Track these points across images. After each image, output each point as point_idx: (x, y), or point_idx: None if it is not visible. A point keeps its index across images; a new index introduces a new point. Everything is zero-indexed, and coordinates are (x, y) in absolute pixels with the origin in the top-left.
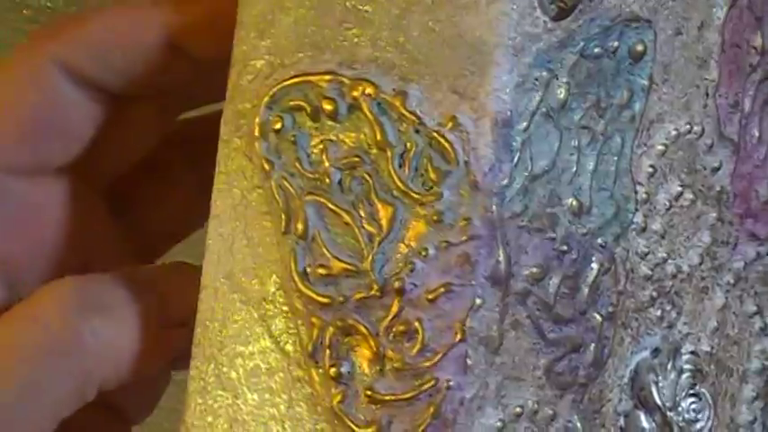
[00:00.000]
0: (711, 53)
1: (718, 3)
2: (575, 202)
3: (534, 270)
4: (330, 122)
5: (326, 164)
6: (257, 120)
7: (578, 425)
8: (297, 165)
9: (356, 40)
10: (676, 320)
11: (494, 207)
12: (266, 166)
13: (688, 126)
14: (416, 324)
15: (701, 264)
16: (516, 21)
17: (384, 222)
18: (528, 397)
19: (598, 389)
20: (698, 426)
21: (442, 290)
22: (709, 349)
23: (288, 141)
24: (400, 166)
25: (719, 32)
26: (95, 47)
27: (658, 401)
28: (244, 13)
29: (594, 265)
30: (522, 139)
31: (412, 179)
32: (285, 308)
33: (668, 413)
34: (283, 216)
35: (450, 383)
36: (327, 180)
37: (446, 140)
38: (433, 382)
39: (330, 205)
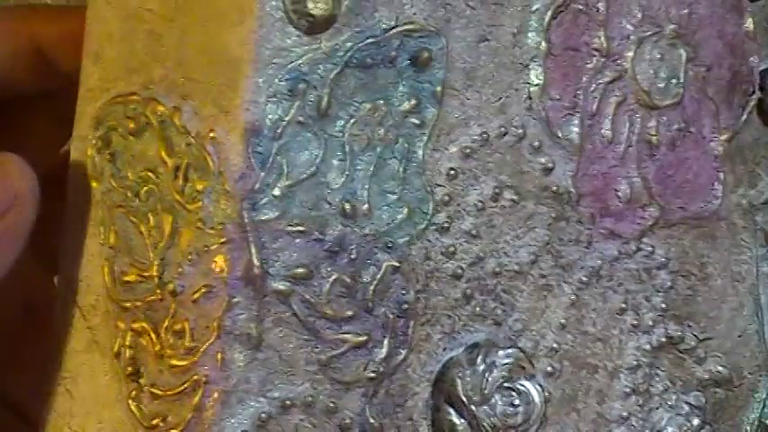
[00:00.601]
0: (534, 57)
1: (537, 8)
2: (348, 206)
3: (299, 270)
4: (133, 139)
5: (131, 178)
6: (87, 140)
7: (371, 419)
8: (111, 180)
9: (153, 62)
10: (506, 317)
11: (244, 212)
12: (94, 184)
13: (502, 129)
14: (185, 324)
15: (535, 262)
16: (265, 37)
17: (166, 230)
18: (301, 390)
19: (399, 383)
20: (518, 419)
21: (203, 290)
22: (555, 346)
23: (106, 159)
24: (175, 178)
25: (543, 37)
26: None
27: (462, 396)
28: (85, 43)
29: (383, 265)
30: (275, 148)
31: (183, 190)
32: (104, 314)
33: (475, 408)
34: (101, 228)
35: (209, 378)
36: (130, 193)
37: (206, 152)
38: (196, 378)
39: (131, 216)
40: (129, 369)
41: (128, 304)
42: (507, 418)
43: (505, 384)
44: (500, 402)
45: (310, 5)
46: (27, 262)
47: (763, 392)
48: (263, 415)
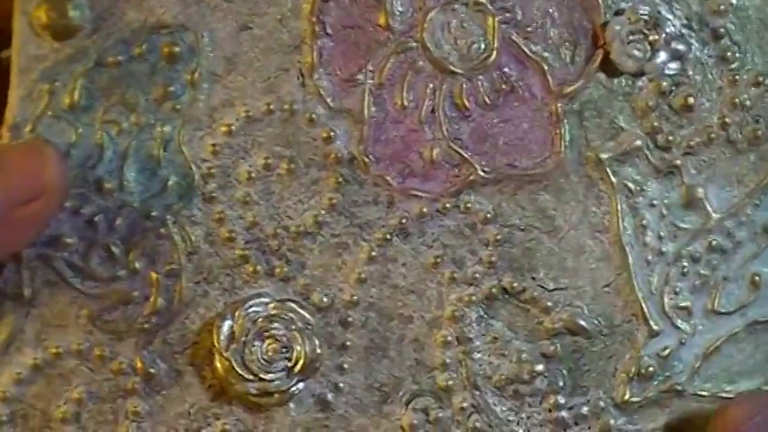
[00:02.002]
0: (304, 39)
1: None
2: (106, 183)
3: (60, 240)
4: None
5: None
6: None
7: (149, 367)
8: None
9: None
10: (295, 274)
11: None
12: None
13: (271, 106)
14: None
15: (324, 223)
16: (22, 48)
17: None
18: (72, 340)
19: (178, 334)
20: (280, 365)
21: None
22: (355, 299)
23: None
24: None
25: (314, 20)
26: None
27: (219, 343)
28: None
29: (145, 232)
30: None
31: None
32: None
33: (229, 354)
34: None
35: None
36: None
37: None
38: None
39: None
40: None
41: None
42: (269, 363)
43: (266, 333)
44: (260, 349)
45: (53, 17)
46: None
47: (642, 340)
48: (39, 361)
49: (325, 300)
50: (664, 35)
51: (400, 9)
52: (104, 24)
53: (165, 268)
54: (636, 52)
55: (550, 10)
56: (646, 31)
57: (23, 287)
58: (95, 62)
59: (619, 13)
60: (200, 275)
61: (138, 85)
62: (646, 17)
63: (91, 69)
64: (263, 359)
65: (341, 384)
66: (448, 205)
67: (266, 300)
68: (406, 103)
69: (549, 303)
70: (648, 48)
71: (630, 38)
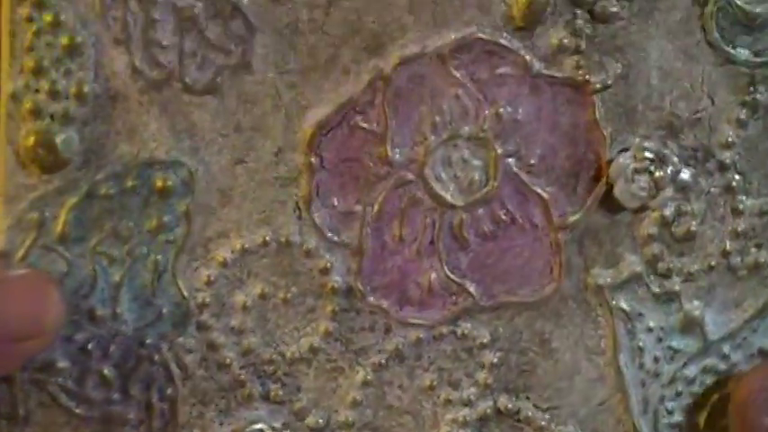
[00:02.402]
0: (301, 172)
1: (303, 128)
2: (98, 312)
3: (53, 365)
4: None
5: None
6: None
7: None
8: None
9: None
10: (290, 397)
11: None
12: None
13: (267, 238)
14: None
15: (319, 350)
16: (9, 176)
17: None
18: None
19: None
20: None
21: None
22: (351, 420)
23: None
24: None
25: (311, 153)
26: None
27: None
28: None
29: (139, 359)
30: (22, 269)
31: None
32: None
33: None
34: None
35: None
36: None
37: None
38: None
39: None
40: None
41: None
42: None
43: None
44: None
45: (40, 151)
46: None
47: None
48: None
49: (320, 422)
50: (669, 171)
51: (400, 142)
52: (95, 157)
53: (161, 393)
54: (640, 192)
55: (554, 143)
56: (651, 170)
57: (17, 407)
58: (86, 194)
59: (625, 150)
60: (195, 398)
61: (130, 216)
62: (651, 155)
63: (81, 201)
64: None
65: None
66: (445, 331)
67: (263, 427)
68: (404, 235)
69: (543, 423)
70: (653, 185)
71: (635, 176)
